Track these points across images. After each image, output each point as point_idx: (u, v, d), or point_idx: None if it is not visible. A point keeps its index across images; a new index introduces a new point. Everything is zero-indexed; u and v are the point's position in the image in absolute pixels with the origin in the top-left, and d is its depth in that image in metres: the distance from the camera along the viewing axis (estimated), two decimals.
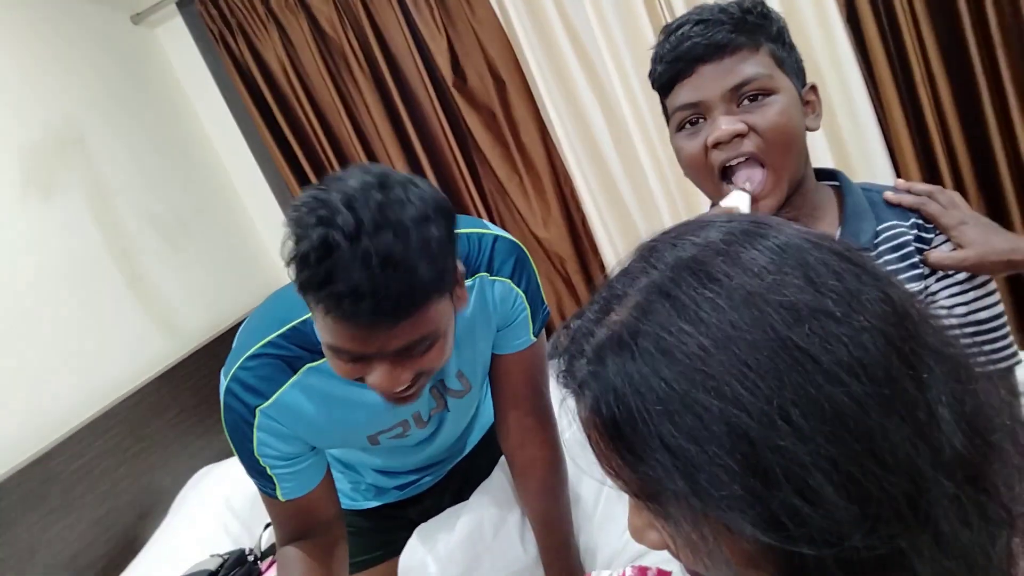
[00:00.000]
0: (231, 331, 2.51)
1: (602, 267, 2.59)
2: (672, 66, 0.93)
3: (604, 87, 2.38)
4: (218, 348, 2.43)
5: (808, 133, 0.96)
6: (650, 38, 2.22)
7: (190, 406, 2.26)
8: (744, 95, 0.90)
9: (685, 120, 0.94)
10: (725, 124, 0.89)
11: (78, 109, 2.32)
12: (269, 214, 2.86)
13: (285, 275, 0.85)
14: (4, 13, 2.18)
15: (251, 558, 1.53)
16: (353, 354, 0.88)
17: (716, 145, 0.91)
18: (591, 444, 0.48)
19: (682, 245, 0.48)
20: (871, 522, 0.40)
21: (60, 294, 2.08)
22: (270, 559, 1.52)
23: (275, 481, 1.06)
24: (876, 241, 0.95)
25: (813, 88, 0.98)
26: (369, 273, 0.79)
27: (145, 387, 2.15)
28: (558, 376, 0.51)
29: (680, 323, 0.44)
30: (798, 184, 0.95)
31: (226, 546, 1.65)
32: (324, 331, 0.88)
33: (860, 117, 2.12)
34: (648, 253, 0.50)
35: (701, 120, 0.93)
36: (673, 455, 0.42)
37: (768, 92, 0.90)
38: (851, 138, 2.16)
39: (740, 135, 0.89)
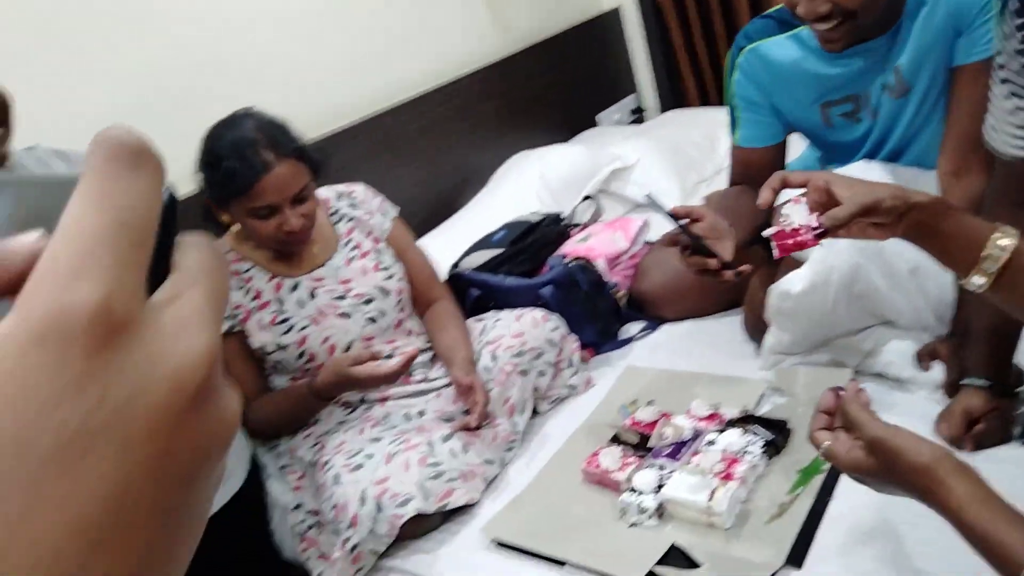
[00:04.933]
0: (557, 36, 2.55)
1: None
2: None
3: None
4: (543, 51, 2.50)
5: None
6: None
7: (515, 98, 2.40)
8: None
9: None
10: None
11: None
12: None
13: None
14: None
15: (563, 222, 1.66)
16: None
17: None
18: None
19: None
20: None
21: None
22: (578, 227, 1.64)
23: (737, 124, 1.26)
24: None
25: None
26: None
27: (478, 72, 2.31)
28: None
29: None
30: None
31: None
32: None
33: None
34: None
35: None
36: None
37: None
38: None
39: None
